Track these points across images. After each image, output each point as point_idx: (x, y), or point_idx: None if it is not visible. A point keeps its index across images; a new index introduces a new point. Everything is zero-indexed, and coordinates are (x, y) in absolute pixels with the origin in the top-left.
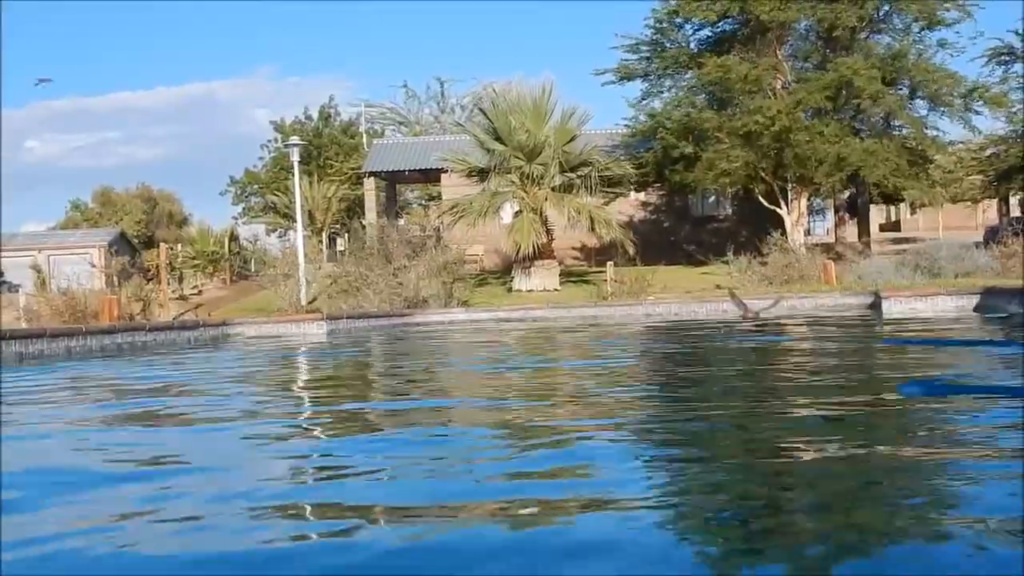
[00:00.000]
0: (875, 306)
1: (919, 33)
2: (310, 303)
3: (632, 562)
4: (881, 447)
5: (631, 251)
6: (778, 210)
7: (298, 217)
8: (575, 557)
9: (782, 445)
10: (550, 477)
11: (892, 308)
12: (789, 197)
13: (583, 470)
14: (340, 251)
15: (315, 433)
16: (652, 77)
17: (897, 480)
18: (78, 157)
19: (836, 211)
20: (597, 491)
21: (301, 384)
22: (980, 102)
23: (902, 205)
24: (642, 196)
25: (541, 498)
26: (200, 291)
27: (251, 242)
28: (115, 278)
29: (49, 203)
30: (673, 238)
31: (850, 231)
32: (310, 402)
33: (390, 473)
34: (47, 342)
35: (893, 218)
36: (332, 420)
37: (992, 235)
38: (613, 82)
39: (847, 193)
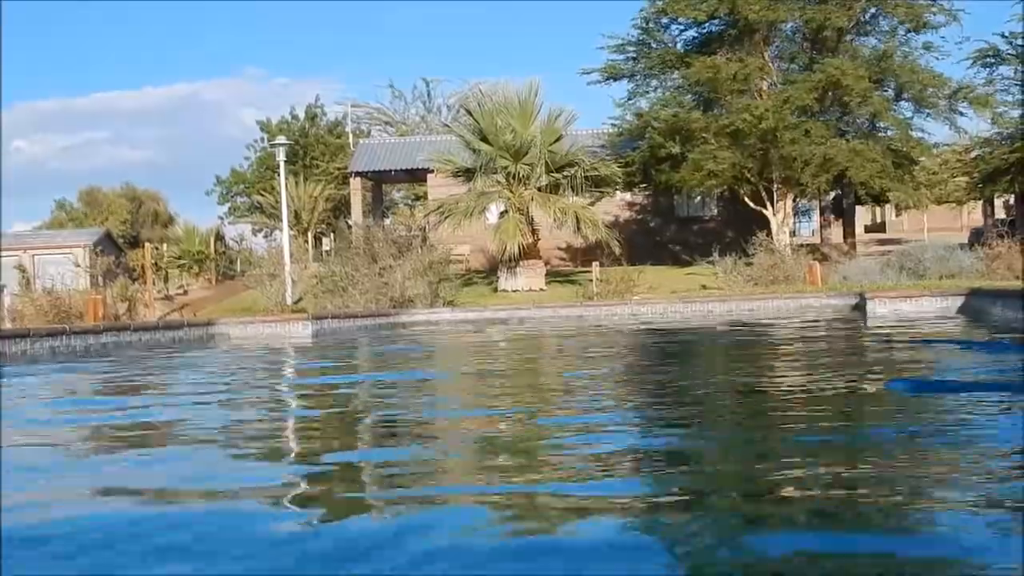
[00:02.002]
0: (860, 307)
1: (905, 35)
2: (296, 303)
3: None
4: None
5: (617, 251)
6: (764, 211)
7: (284, 217)
8: None
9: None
10: None
11: (877, 309)
12: (775, 198)
13: None
14: (326, 251)
15: None
16: (638, 77)
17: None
18: (64, 157)
19: (821, 212)
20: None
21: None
22: (965, 103)
23: (887, 206)
24: (628, 196)
25: None
26: (186, 291)
27: (237, 242)
28: (100, 278)
29: (35, 203)
30: (659, 238)
31: (835, 232)
32: None
33: None
34: (31, 342)
35: (878, 219)
36: None
37: (977, 237)
38: (599, 82)
39: (832, 194)
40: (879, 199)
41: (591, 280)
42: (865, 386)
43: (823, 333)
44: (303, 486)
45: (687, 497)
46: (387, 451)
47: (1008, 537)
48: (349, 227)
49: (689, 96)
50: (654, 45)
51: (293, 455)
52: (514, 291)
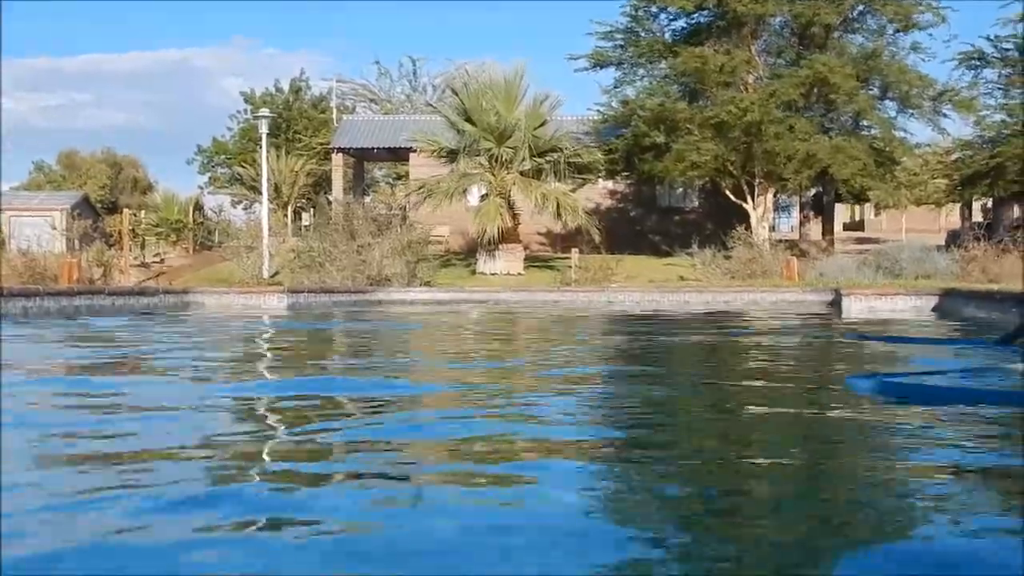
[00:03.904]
0: (835, 303)
1: (892, 35)
2: (272, 276)
3: None
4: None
5: (596, 239)
6: (744, 205)
7: (264, 190)
8: None
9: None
10: None
11: (852, 306)
12: (756, 192)
13: None
14: (305, 226)
15: None
16: (626, 65)
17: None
18: (44, 117)
19: (801, 209)
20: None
21: None
22: (949, 105)
23: (867, 206)
24: (610, 184)
25: None
26: (162, 259)
27: (216, 213)
28: (76, 242)
29: (11, 163)
30: (639, 228)
31: (815, 229)
32: None
33: None
34: (4, 301)
35: (857, 218)
36: None
37: (953, 239)
38: (586, 68)
39: (813, 191)
40: (859, 198)
41: (570, 266)
42: (823, 379)
43: (795, 326)
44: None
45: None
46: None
47: None
48: (329, 203)
49: (675, 86)
50: (642, 34)
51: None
52: (492, 274)
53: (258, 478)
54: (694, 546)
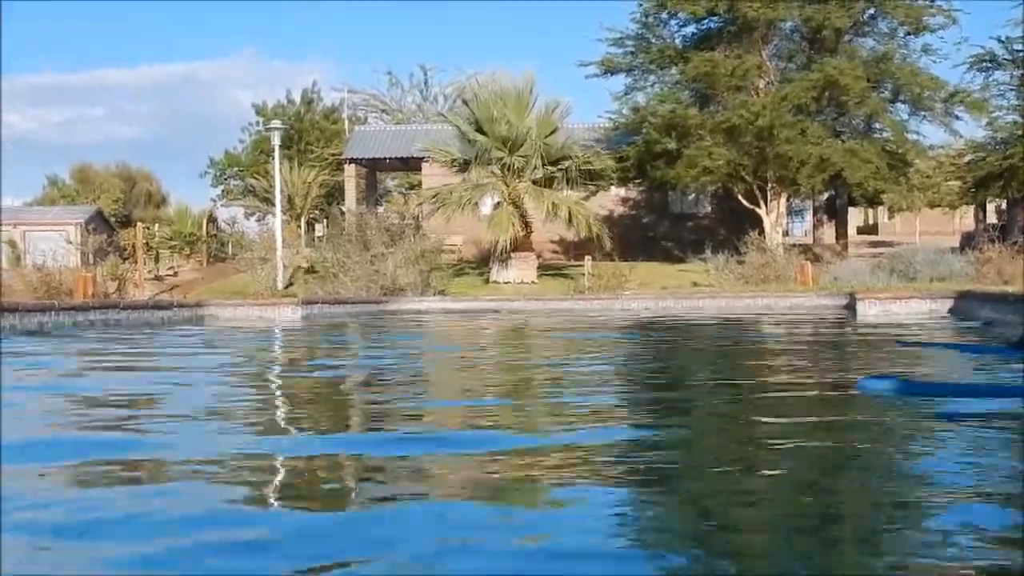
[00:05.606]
0: (850, 307)
1: (903, 38)
2: (286, 287)
3: None
4: None
5: (609, 246)
6: (757, 210)
7: (277, 201)
8: None
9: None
10: None
11: (867, 310)
12: (768, 197)
13: None
14: (318, 237)
15: None
16: (636, 72)
17: None
18: (55, 133)
19: (814, 213)
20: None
21: None
22: (961, 106)
23: (880, 208)
24: (622, 191)
25: None
26: (176, 272)
27: (229, 225)
28: (91, 256)
29: (25, 178)
30: (652, 234)
31: (828, 233)
32: None
33: None
34: (20, 316)
35: (871, 221)
36: None
37: (968, 241)
38: (597, 75)
39: (826, 195)
40: (873, 201)
41: (583, 274)
42: (835, 383)
43: (809, 331)
44: None
45: None
46: None
47: None
48: (342, 213)
49: (686, 92)
50: (653, 40)
51: None
52: (506, 283)
53: None
54: None
